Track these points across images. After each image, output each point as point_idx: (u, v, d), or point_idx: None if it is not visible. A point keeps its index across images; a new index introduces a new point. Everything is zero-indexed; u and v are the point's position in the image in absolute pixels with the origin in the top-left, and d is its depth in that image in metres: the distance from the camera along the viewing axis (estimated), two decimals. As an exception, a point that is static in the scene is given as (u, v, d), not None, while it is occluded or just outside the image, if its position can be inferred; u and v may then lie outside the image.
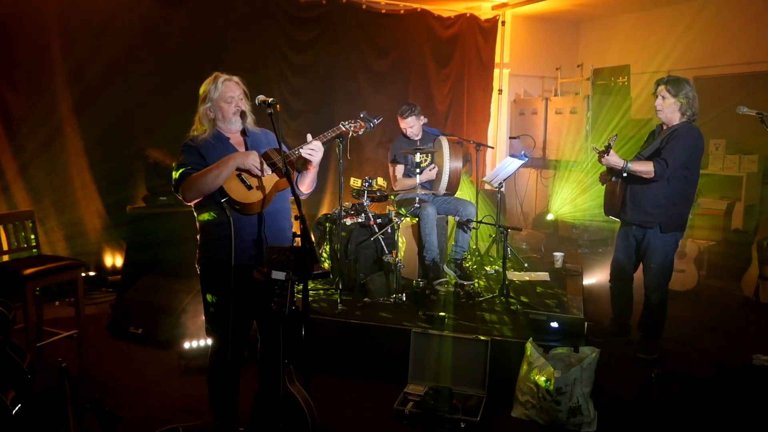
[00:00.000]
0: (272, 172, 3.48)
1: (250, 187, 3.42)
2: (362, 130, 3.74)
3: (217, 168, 3.35)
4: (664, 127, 4.99)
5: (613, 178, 5.13)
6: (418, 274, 6.00)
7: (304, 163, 3.58)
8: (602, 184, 5.37)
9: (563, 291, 5.81)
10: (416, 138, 6.37)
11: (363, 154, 8.51)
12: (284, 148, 3.45)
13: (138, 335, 5.53)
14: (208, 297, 3.55)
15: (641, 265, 5.28)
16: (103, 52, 6.72)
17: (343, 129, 3.67)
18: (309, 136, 3.53)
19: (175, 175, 3.44)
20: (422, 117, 6.37)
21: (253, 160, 3.40)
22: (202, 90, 3.51)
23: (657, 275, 5.07)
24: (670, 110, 4.86)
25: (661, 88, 4.88)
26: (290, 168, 3.44)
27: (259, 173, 3.42)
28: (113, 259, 7.22)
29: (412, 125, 6.28)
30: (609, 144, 4.74)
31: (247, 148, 3.54)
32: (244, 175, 3.43)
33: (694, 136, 4.81)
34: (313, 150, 3.48)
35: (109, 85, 6.79)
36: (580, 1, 9.11)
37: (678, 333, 5.65)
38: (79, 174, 6.90)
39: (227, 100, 3.47)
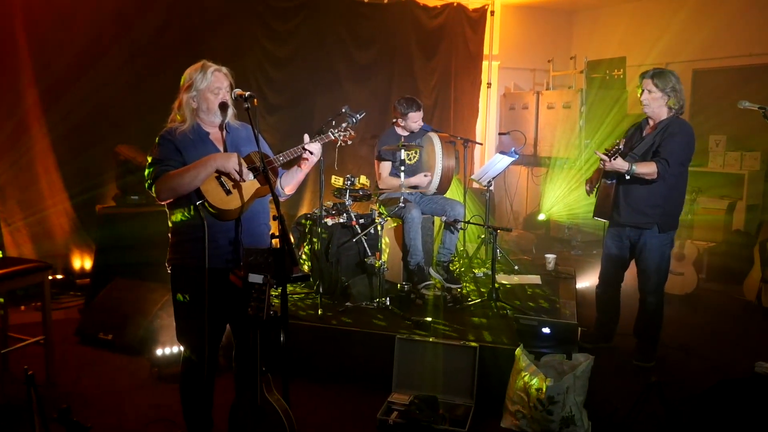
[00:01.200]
0: (254, 177, 3.42)
1: (229, 192, 3.36)
2: (352, 140, 3.71)
3: (195, 168, 3.31)
4: (651, 122, 5.02)
5: (609, 181, 5.08)
6: (403, 277, 6.00)
7: (294, 163, 3.55)
8: (589, 195, 5.37)
9: (555, 295, 5.85)
10: (414, 132, 6.30)
11: (345, 151, 8.48)
12: (264, 146, 3.44)
13: (108, 341, 5.51)
14: (179, 296, 3.52)
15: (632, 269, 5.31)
16: (72, 45, 6.68)
17: (332, 137, 3.65)
18: (306, 137, 3.51)
19: (149, 170, 3.38)
20: None
21: (233, 164, 3.33)
22: (186, 77, 3.44)
23: (654, 277, 5.07)
24: (657, 104, 4.87)
25: (647, 81, 4.87)
26: (273, 174, 3.42)
27: (239, 178, 3.36)
28: (82, 262, 7.18)
29: (418, 119, 6.21)
30: (619, 148, 4.73)
31: (225, 146, 3.49)
32: (224, 179, 3.37)
33: (689, 131, 4.85)
34: (313, 152, 3.50)
35: (78, 79, 6.74)
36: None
37: (676, 339, 5.67)
38: (47, 172, 6.86)
39: (214, 91, 3.41)
